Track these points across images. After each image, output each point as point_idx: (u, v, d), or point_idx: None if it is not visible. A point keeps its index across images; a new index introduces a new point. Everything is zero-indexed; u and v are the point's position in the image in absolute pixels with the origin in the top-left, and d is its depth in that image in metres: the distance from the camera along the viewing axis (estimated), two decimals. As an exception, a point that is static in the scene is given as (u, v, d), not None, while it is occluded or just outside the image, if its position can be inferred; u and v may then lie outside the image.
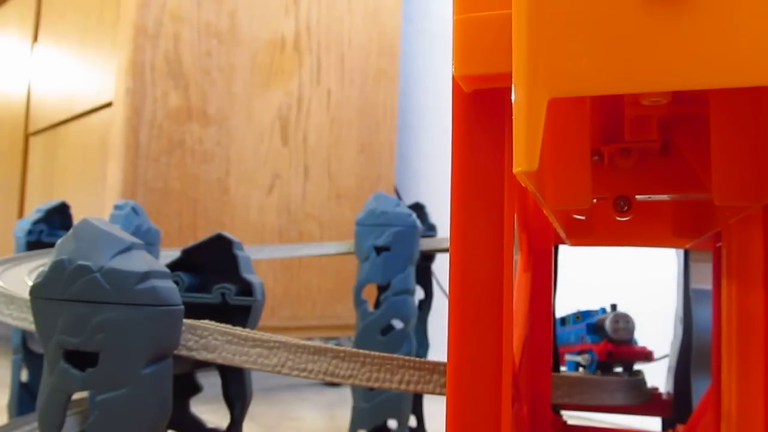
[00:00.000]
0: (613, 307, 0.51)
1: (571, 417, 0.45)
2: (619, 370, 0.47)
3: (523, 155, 0.16)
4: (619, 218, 0.28)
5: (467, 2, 0.20)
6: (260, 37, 0.92)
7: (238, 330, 0.31)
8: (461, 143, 0.22)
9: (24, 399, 0.56)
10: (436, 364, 0.31)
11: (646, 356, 0.47)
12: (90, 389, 0.26)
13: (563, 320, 0.53)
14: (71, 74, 0.99)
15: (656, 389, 0.48)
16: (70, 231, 0.28)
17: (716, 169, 0.23)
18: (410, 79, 1.21)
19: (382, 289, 0.55)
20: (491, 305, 0.22)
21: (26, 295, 0.33)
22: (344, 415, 0.77)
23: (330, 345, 0.32)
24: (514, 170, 0.17)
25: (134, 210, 0.57)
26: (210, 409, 0.41)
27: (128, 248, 0.28)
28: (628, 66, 0.16)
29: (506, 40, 0.18)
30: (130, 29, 0.80)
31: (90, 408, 0.26)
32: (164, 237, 0.68)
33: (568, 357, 0.50)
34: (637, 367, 0.48)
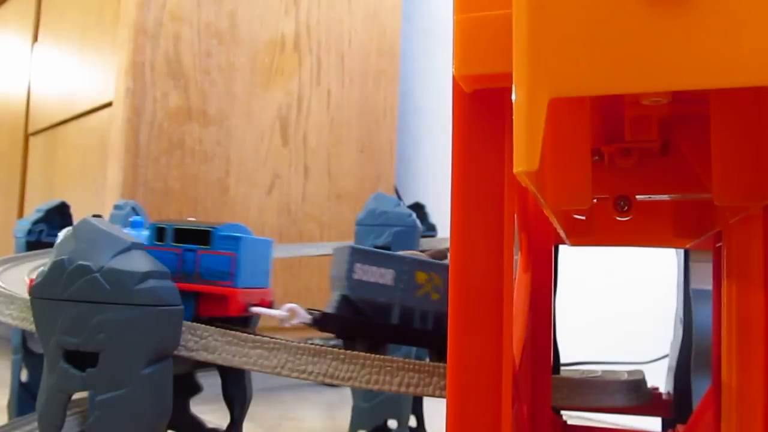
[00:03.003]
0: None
1: (572, 417, 0.45)
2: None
3: (524, 155, 0.16)
4: (619, 218, 0.28)
5: (467, 2, 0.20)
6: (260, 37, 0.92)
7: (238, 331, 0.31)
8: (461, 143, 0.22)
9: (24, 399, 0.56)
10: (436, 366, 0.31)
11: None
12: (90, 389, 0.26)
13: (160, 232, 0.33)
14: (71, 74, 0.99)
15: (656, 389, 0.48)
16: (70, 231, 0.28)
17: (716, 169, 0.23)
18: (410, 79, 1.21)
19: (382, 289, 0.55)
20: (491, 305, 0.22)
21: (26, 295, 0.33)
22: (344, 415, 0.77)
23: (330, 347, 0.32)
24: (514, 170, 0.17)
25: (134, 210, 0.57)
26: (210, 409, 0.41)
27: (128, 248, 0.28)
28: (628, 66, 0.16)
29: (506, 40, 0.18)
30: (130, 29, 0.80)
31: (90, 408, 0.26)
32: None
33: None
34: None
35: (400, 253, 0.36)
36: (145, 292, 0.27)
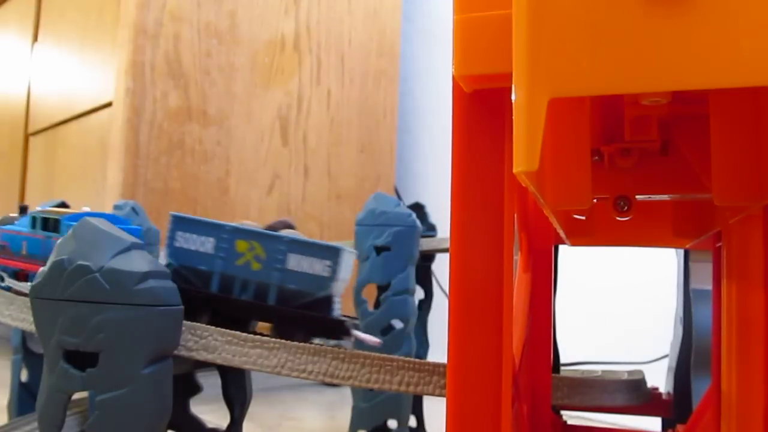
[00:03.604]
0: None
1: (571, 417, 0.45)
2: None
3: (523, 155, 0.16)
4: (619, 218, 0.28)
5: (467, 2, 0.20)
6: (260, 37, 0.92)
7: (238, 331, 0.31)
8: (461, 143, 0.22)
9: (24, 399, 0.56)
10: (436, 366, 0.31)
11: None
12: (90, 389, 0.26)
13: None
14: (71, 74, 0.99)
15: (656, 389, 0.48)
16: (70, 231, 0.28)
17: (716, 169, 0.23)
18: (410, 79, 1.21)
19: (382, 289, 0.55)
20: (491, 305, 0.22)
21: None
22: (344, 415, 0.77)
23: (330, 346, 0.32)
24: (514, 170, 0.17)
25: (134, 210, 0.57)
26: (210, 409, 0.41)
27: (128, 248, 0.28)
28: (628, 66, 0.16)
29: (506, 40, 0.18)
30: (130, 29, 0.80)
31: (90, 408, 0.26)
32: (164, 237, 0.67)
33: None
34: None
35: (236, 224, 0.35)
36: (144, 292, 0.27)
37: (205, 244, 0.34)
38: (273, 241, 0.34)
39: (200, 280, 0.34)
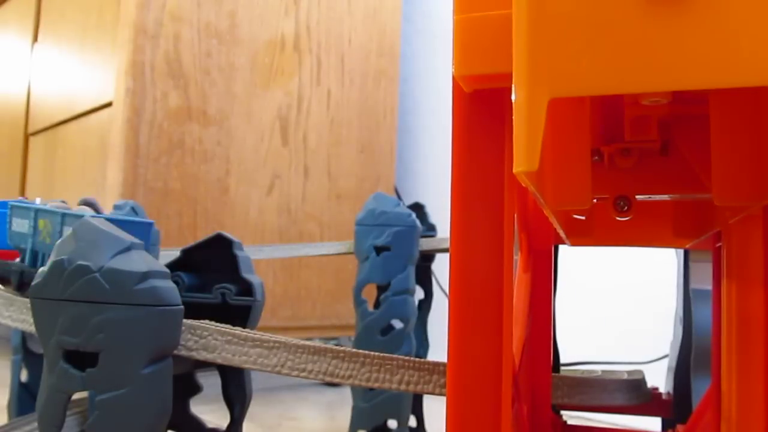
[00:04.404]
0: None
1: (571, 417, 0.45)
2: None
3: (523, 155, 0.16)
4: (619, 218, 0.28)
5: (467, 2, 0.20)
6: (260, 37, 0.92)
7: (238, 330, 0.31)
8: (461, 143, 0.22)
9: (24, 399, 0.56)
10: (436, 365, 0.31)
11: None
12: (90, 389, 0.26)
13: None
14: (71, 74, 0.99)
15: (656, 389, 0.48)
16: (70, 231, 0.28)
17: (716, 169, 0.23)
18: (410, 79, 1.21)
19: (381, 289, 0.55)
20: (491, 305, 0.22)
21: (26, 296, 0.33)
22: (344, 415, 0.77)
23: (330, 345, 0.32)
24: (514, 170, 0.17)
25: (134, 210, 0.57)
26: (210, 409, 0.41)
27: (128, 248, 0.28)
28: (628, 66, 0.16)
29: (506, 40, 0.18)
30: (130, 29, 0.80)
31: (90, 408, 0.26)
32: (164, 237, 0.68)
33: None
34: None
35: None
36: (144, 292, 0.27)
37: (24, 225, 0.40)
38: (54, 216, 0.38)
39: (23, 256, 0.40)
